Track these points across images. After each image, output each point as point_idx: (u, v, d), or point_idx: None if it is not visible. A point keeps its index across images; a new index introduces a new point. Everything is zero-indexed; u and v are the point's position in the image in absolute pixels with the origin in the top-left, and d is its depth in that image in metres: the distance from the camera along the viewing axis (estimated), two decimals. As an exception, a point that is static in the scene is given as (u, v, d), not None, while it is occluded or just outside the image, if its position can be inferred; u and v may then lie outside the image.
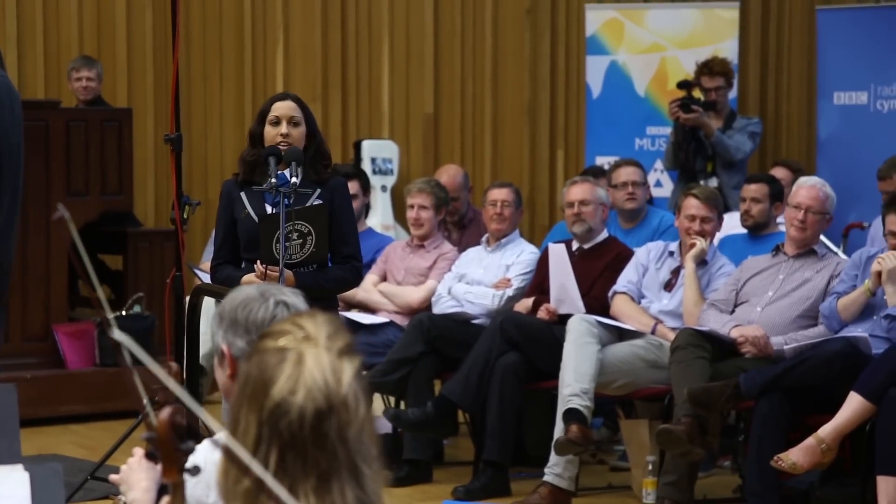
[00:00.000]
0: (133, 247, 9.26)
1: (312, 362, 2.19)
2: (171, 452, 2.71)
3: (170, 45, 7.02)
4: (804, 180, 7.09)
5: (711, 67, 9.55)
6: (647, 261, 7.23)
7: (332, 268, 5.55)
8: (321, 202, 5.48)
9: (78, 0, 10.39)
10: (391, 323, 7.65)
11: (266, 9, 10.82)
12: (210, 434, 2.60)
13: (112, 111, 9.55)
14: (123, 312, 8.85)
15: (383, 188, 10.36)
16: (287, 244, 5.26)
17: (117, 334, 2.07)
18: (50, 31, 10.32)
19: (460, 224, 8.70)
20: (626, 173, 8.03)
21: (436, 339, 7.27)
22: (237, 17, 10.77)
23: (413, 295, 7.72)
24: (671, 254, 7.22)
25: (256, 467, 2.13)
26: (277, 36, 10.83)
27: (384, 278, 7.89)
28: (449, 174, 8.83)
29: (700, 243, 7.02)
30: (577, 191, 7.49)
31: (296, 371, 2.19)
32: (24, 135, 8.58)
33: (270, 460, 2.19)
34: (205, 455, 2.74)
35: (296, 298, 3.23)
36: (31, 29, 10.26)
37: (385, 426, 7.59)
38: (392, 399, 7.49)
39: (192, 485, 2.69)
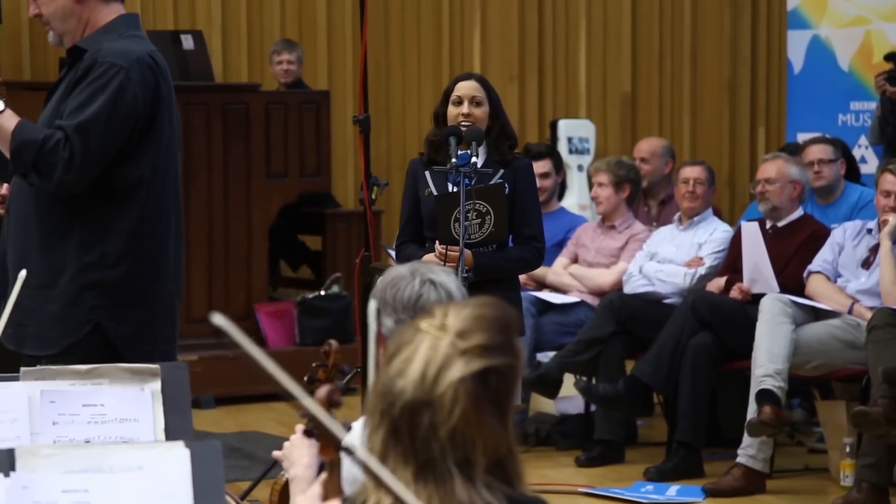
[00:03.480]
0: (331, 227, 9.40)
1: (425, 352, 2.18)
2: (328, 430, 2.74)
3: (370, 29, 7.09)
4: None
5: (917, 39, 9.27)
6: (842, 239, 7.07)
7: (512, 248, 5.53)
8: (500, 181, 5.47)
9: (280, -16, 10.57)
10: (582, 303, 7.61)
11: (463, -10, 10.86)
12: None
13: (310, 94, 9.69)
14: (322, 292, 8.99)
15: (579, 168, 10.31)
16: (465, 224, 5.26)
17: (217, 319, 2.10)
18: (253, 15, 10.51)
19: (655, 195, 8.56)
20: (814, 151, 7.88)
21: (627, 318, 7.22)
22: (434, 0, 10.83)
23: (604, 278, 7.67)
24: (869, 231, 7.04)
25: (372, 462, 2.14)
26: (475, 17, 10.86)
27: (575, 260, 7.85)
28: (649, 141, 8.81)
29: (893, 219, 6.83)
30: (763, 169, 7.37)
31: (410, 355, 2.19)
32: (228, 117, 8.89)
33: (379, 436, 2.20)
34: (360, 434, 2.76)
35: (446, 277, 3.22)
36: (235, 14, 10.46)
37: (576, 406, 7.57)
38: (584, 379, 7.46)
39: (349, 462, 2.71)
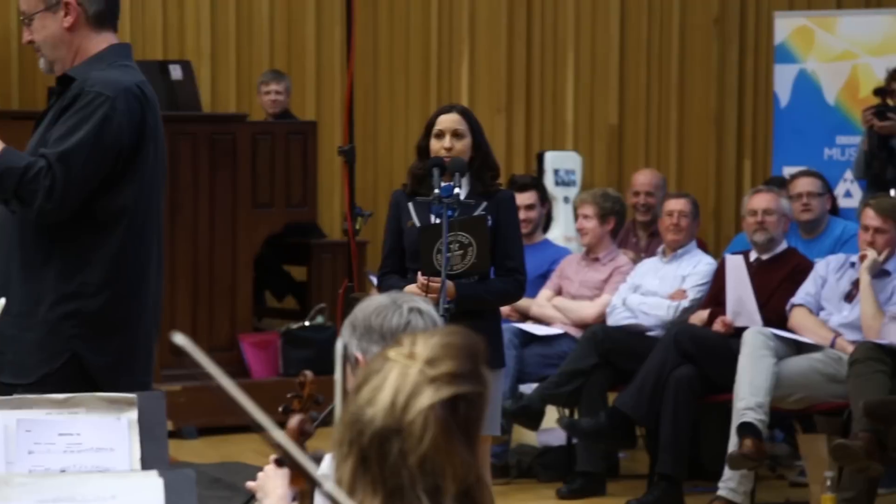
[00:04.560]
0: (317, 258, 9.41)
1: (395, 380, 2.19)
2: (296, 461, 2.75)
3: (358, 59, 7.10)
4: None
5: (903, 73, 9.29)
6: (826, 272, 7.10)
7: (494, 280, 5.54)
8: (483, 213, 5.48)
9: (269, 16, 10.60)
10: (565, 334, 7.63)
11: (452, 22, 10.91)
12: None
13: (297, 124, 9.71)
14: (307, 323, 9.00)
15: (566, 199, 10.33)
16: (448, 255, 5.27)
17: (178, 339, 2.11)
18: (242, 46, 10.54)
19: (647, 226, 8.58)
20: (802, 184, 7.91)
21: (609, 351, 7.24)
22: (423, 31, 10.88)
23: (587, 310, 7.69)
24: (852, 264, 7.07)
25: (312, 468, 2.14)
26: (463, 48, 10.91)
27: (559, 292, 7.87)
28: (645, 174, 8.85)
29: (871, 254, 6.87)
30: (761, 199, 7.39)
31: (379, 384, 2.20)
32: (215, 147, 8.91)
33: (347, 465, 2.21)
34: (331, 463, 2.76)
35: (428, 306, 3.24)
36: (223, 44, 10.50)
37: (558, 438, 7.58)
38: (567, 411, 7.47)
39: (320, 493, 2.72)
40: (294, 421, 2.76)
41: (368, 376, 2.24)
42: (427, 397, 2.18)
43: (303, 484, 2.73)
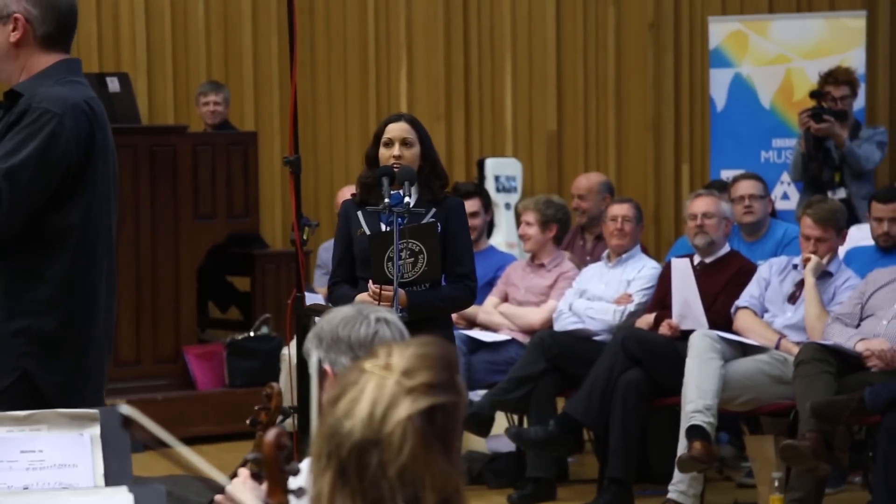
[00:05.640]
0: (260, 268, 9.38)
1: (372, 392, 2.20)
2: (276, 473, 2.74)
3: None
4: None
5: (836, 76, 9.39)
6: (769, 275, 7.16)
7: (445, 287, 5.55)
8: (432, 220, 5.49)
9: (206, 27, 10.57)
10: (513, 341, 7.66)
11: (389, 31, 10.92)
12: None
13: (237, 135, 9.69)
14: (251, 334, 8.97)
15: (507, 206, 10.38)
16: (399, 263, 5.28)
17: (125, 409, 2.10)
18: (179, 57, 10.51)
19: (592, 230, 8.63)
20: (744, 187, 7.98)
21: (557, 356, 7.26)
22: (361, 40, 10.89)
23: (534, 316, 7.72)
24: (795, 267, 7.14)
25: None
26: (401, 57, 10.92)
27: (505, 299, 7.90)
28: (588, 177, 8.90)
29: (814, 258, 6.95)
30: (701, 203, 7.45)
31: (356, 396, 2.20)
32: (155, 159, 8.87)
33: (326, 478, 2.21)
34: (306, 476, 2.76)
35: (393, 315, 3.24)
36: (160, 56, 10.46)
37: (507, 444, 7.60)
38: (515, 417, 7.50)
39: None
40: (271, 435, 2.75)
41: (345, 388, 2.25)
42: (405, 408, 2.19)
43: (280, 496, 2.71)
